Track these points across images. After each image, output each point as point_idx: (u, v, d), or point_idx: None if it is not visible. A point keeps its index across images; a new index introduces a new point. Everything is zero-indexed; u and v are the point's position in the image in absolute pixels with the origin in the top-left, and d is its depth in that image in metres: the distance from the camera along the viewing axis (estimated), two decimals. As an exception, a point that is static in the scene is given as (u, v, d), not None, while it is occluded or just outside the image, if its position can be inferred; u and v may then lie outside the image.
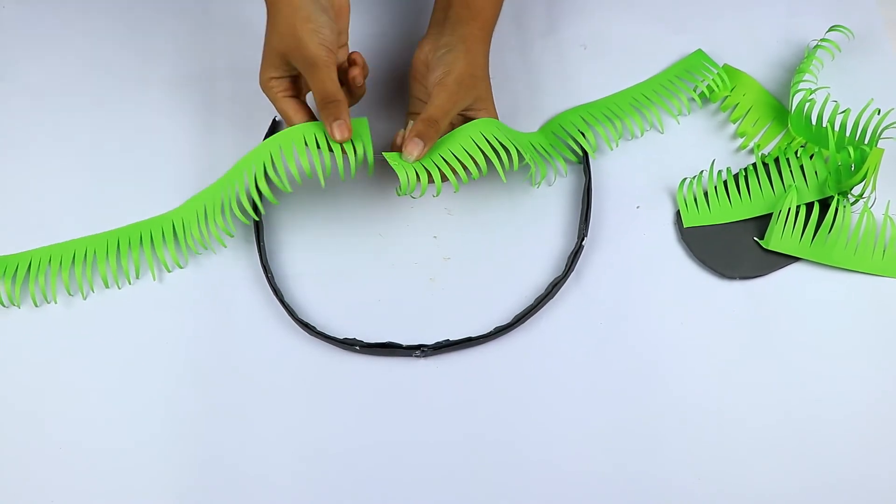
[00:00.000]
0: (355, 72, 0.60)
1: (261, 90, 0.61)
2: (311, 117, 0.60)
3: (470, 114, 0.61)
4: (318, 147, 0.58)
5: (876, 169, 0.60)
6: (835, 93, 0.67)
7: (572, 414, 0.59)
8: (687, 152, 0.67)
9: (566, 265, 0.62)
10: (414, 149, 0.57)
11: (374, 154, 0.58)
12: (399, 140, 0.60)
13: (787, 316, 0.61)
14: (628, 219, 0.65)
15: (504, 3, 0.65)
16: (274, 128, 0.68)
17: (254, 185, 0.59)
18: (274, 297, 0.62)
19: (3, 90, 0.71)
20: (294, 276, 0.63)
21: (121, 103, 0.70)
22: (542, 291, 0.62)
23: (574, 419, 0.59)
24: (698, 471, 0.57)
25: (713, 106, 0.69)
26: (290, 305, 0.61)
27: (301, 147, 0.58)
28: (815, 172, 0.64)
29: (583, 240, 0.63)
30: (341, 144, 0.57)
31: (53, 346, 0.61)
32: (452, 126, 0.61)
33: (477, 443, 0.58)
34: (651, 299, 0.62)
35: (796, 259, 0.63)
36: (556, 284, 0.61)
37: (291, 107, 0.60)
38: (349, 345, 0.60)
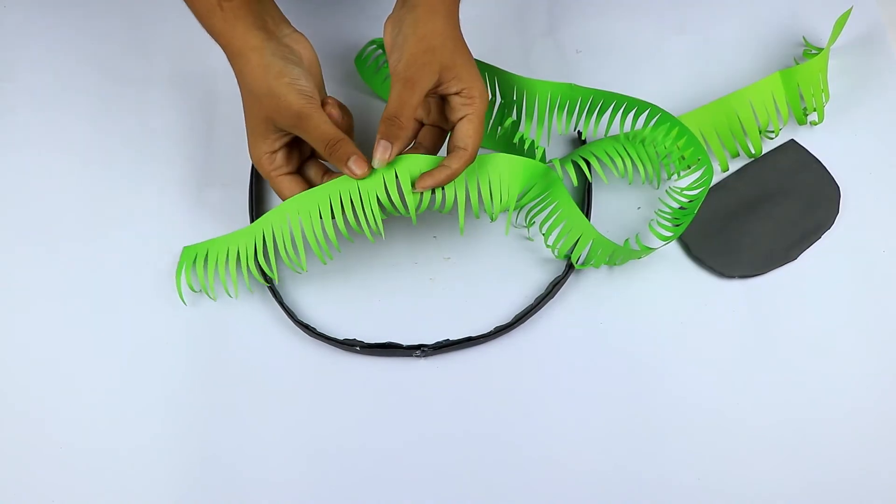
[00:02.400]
0: (334, 115, 0.56)
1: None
2: None
3: (442, 89, 0.55)
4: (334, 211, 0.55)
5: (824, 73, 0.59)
6: (835, 93, 0.67)
7: (572, 413, 0.59)
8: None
9: (566, 265, 0.62)
10: (384, 153, 0.53)
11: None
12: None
13: (787, 314, 0.61)
14: (628, 219, 0.65)
15: (504, 3, 0.65)
16: None
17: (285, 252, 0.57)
18: (273, 299, 0.62)
19: (3, 90, 0.71)
20: (294, 277, 0.63)
21: (121, 103, 0.70)
22: (542, 291, 0.62)
23: (574, 419, 0.59)
24: (698, 470, 0.57)
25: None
26: (290, 308, 0.61)
27: (327, 214, 0.55)
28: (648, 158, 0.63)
29: (583, 240, 0.63)
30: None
31: (54, 346, 0.61)
32: (440, 113, 0.57)
33: (477, 442, 0.58)
34: (650, 299, 0.62)
35: (794, 258, 0.63)
36: (556, 284, 0.61)
37: (287, 188, 0.56)
38: (349, 345, 0.60)
